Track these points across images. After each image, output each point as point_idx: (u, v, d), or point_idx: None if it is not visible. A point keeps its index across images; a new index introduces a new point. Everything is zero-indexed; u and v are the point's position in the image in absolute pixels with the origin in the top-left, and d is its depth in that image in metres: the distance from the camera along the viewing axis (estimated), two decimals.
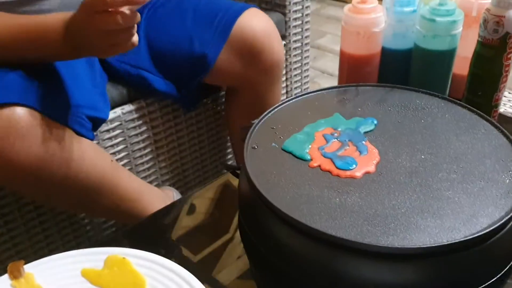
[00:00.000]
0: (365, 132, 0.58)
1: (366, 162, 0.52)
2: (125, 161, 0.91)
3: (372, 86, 0.67)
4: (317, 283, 0.46)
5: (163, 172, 0.99)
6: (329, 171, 0.51)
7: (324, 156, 0.53)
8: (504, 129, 0.56)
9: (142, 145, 0.92)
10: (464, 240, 0.42)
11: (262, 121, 0.61)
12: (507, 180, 0.49)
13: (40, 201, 0.77)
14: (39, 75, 0.68)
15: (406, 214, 0.45)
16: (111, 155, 0.85)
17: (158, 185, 0.98)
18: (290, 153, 0.55)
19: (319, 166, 0.52)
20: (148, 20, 0.87)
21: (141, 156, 0.92)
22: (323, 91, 0.66)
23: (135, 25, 0.60)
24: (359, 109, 0.62)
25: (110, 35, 0.59)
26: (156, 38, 0.88)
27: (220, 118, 1.06)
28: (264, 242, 0.51)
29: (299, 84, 1.20)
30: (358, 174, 0.51)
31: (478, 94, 0.69)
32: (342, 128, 0.58)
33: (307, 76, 1.22)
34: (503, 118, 0.76)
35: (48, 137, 0.63)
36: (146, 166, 0.95)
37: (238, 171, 0.62)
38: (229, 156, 1.14)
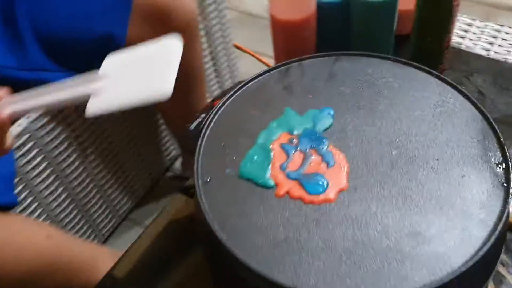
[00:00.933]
0: (325, 130, 0.51)
1: (336, 176, 0.46)
2: (48, 171, 0.78)
3: (316, 58, 0.59)
4: None
5: (105, 187, 0.87)
6: (300, 199, 0.45)
7: (289, 178, 0.47)
8: (474, 100, 0.51)
9: (65, 154, 0.79)
10: (467, 269, 0.39)
11: (206, 133, 0.52)
12: (492, 169, 0.45)
13: None
14: None
15: (396, 242, 0.41)
16: (46, 227, 0.72)
17: (103, 202, 0.86)
18: (249, 180, 0.47)
19: (287, 193, 0.46)
20: (30, 5, 0.70)
21: (69, 166, 0.80)
22: (263, 76, 0.57)
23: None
24: (310, 96, 0.55)
25: None
26: (46, 24, 0.72)
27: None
28: None
29: (222, 47, 1.06)
30: (332, 195, 0.45)
31: (428, 40, 0.62)
32: (299, 131, 0.51)
33: (229, 35, 1.08)
34: (455, 52, 0.70)
35: None
36: (82, 184, 0.82)
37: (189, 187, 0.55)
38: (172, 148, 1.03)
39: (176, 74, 0.42)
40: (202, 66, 0.91)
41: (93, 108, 0.42)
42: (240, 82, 0.66)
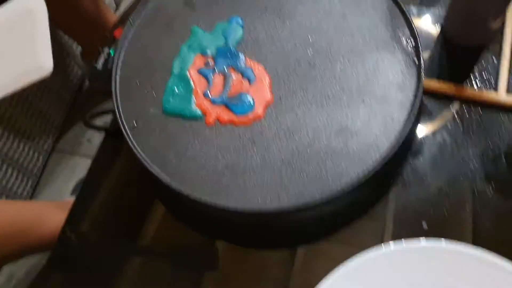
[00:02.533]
0: (238, 43, 0.49)
1: (260, 91, 0.47)
2: None
3: None
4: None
5: (16, 126, 0.81)
6: (231, 122, 0.46)
7: (215, 104, 0.46)
8: None
9: None
10: (395, 152, 0.42)
11: (117, 73, 0.49)
12: (403, 48, 0.47)
13: None
14: None
15: (328, 143, 0.43)
16: None
17: (25, 144, 0.81)
18: (176, 115, 0.47)
19: (217, 119, 0.46)
20: None
21: None
22: None
23: None
24: (214, 6, 0.52)
25: None
26: None
27: None
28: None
29: None
30: (260, 111, 0.46)
31: None
32: (212, 50, 0.49)
33: None
34: None
35: None
36: None
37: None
38: None
39: (50, 41, 0.30)
40: None
41: None
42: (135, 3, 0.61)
